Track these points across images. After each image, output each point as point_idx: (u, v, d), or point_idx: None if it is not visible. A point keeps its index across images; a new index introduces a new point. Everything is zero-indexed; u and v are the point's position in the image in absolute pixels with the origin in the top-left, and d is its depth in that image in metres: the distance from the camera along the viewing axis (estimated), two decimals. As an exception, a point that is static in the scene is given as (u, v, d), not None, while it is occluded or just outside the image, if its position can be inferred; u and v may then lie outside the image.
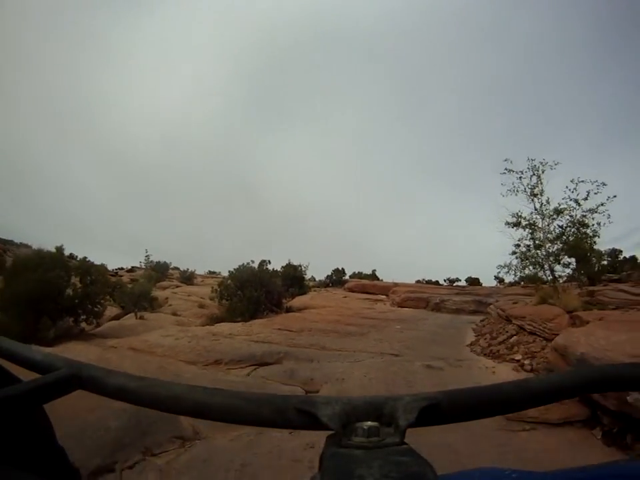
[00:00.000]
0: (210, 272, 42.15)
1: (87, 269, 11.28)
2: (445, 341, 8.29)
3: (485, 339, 8.16)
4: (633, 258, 32.19)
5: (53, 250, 10.64)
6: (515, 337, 7.77)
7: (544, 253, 10.05)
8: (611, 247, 31.62)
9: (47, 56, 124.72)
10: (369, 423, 0.35)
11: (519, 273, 11.01)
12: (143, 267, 30.11)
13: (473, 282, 34.86)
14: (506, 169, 10.44)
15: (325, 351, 6.98)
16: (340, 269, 34.85)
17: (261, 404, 0.38)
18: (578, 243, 9.85)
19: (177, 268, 35.24)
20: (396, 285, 24.18)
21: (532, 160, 10.28)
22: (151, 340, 7.25)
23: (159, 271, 28.35)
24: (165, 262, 31.76)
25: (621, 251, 31.94)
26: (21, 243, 35.26)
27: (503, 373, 5.36)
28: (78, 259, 39.27)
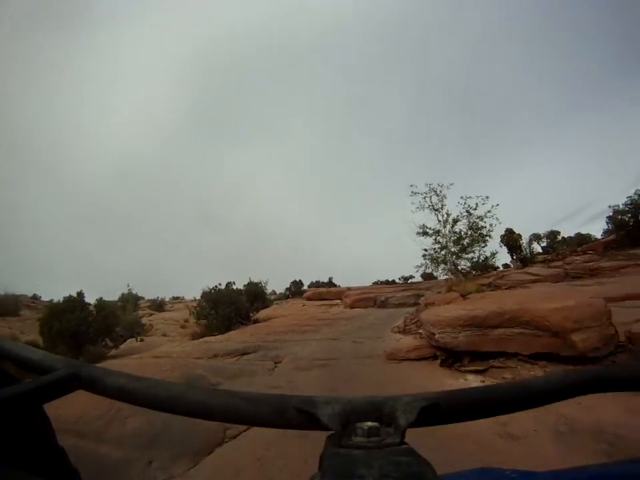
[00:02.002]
0: (174, 297, 43.61)
1: (102, 306, 13.64)
2: (376, 327, 10.90)
3: (405, 322, 10.87)
4: (563, 238, 36.52)
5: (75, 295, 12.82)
6: (423, 317, 10.57)
7: (447, 252, 13.07)
8: (549, 229, 35.74)
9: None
10: (369, 423, 0.36)
11: (430, 270, 13.97)
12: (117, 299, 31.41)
13: (428, 277, 38.04)
14: (412, 192, 13.50)
15: (286, 342, 9.42)
16: (298, 280, 37.02)
17: (261, 404, 0.39)
18: (473, 242, 12.96)
19: (141, 297, 36.48)
20: (348, 289, 26.66)
21: (430, 184, 13.43)
22: (165, 350, 9.65)
23: (132, 302, 29.77)
24: (135, 293, 33.08)
25: (559, 232, 36.20)
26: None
27: (404, 340, 7.98)
28: (40, 298, 39.85)
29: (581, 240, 31.53)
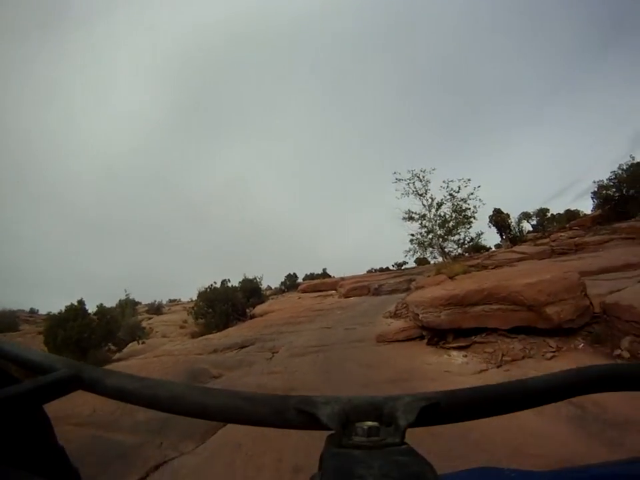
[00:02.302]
0: (171, 300, 43.96)
1: (103, 312, 14.13)
2: (369, 314, 11.21)
3: (396, 307, 11.20)
4: (552, 215, 36.91)
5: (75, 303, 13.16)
6: (413, 301, 10.92)
7: (434, 236, 13.43)
8: (539, 207, 36.08)
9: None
10: (369, 422, 0.36)
11: (419, 254, 14.35)
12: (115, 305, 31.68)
13: (422, 262, 38.45)
14: (396, 179, 13.80)
15: (283, 334, 9.73)
16: (292, 273, 37.10)
17: (261, 404, 0.39)
18: (458, 224, 13.31)
19: (138, 302, 36.65)
20: (342, 279, 26.96)
21: (413, 170, 13.72)
22: (166, 349, 9.99)
23: (130, 307, 29.98)
24: (132, 298, 33.38)
25: (548, 209, 36.54)
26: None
27: (394, 324, 8.30)
28: (38, 312, 40.05)
29: (570, 216, 31.80)
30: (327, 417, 0.35)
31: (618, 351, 4.68)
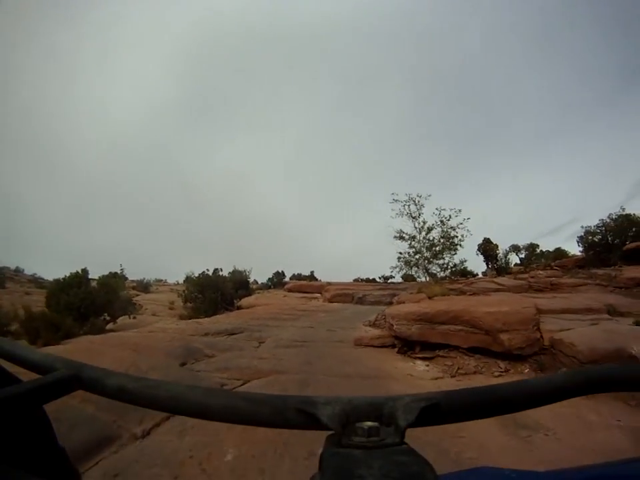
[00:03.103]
0: (157, 280, 44.47)
1: (104, 283, 15.04)
2: (350, 320, 12.10)
3: (377, 318, 12.10)
4: (541, 252, 37.83)
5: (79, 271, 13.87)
6: (392, 314, 11.83)
7: (421, 257, 14.45)
8: (528, 242, 36.87)
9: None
10: (369, 423, 0.36)
11: (404, 272, 15.34)
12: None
13: (408, 278, 39.25)
14: (393, 199, 14.84)
15: (269, 327, 10.57)
16: (280, 271, 38.17)
17: (261, 404, 0.39)
18: (444, 250, 14.36)
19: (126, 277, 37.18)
20: (328, 284, 27.78)
21: (410, 194, 14.77)
22: (160, 326, 10.86)
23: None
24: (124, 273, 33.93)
25: (538, 245, 37.35)
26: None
27: (372, 332, 9.19)
28: (23, 272, 40.22)
29: (557, 255, 32.52)
30: (327, 417, 0.36)
31: (554, 380, 5.58)
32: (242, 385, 4.94)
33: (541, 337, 6.47)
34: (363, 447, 0.34)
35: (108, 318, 14.67)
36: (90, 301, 13.10)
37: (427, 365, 6.31)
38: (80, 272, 13.72)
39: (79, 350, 6.65)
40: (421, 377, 5.72)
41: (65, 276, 13.93)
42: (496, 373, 5.88)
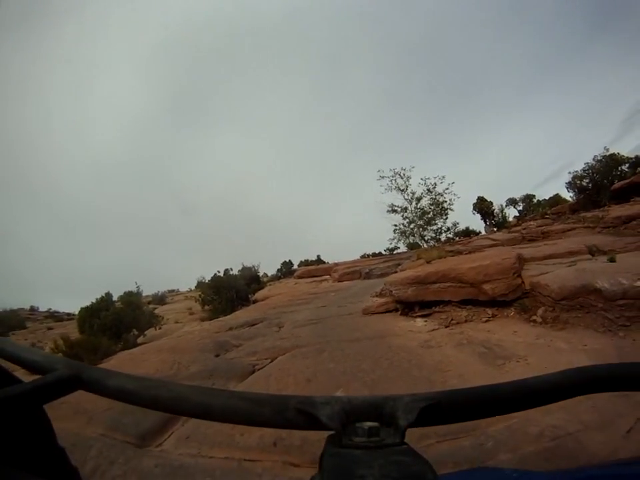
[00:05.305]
0: (169, 291, 46.00)
1: (129, 301, 16.34)
2: (359, 295, 13.09)
3: (382, 288, 13.08)
4: (538, 201, 38.33)
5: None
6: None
7: (415, 226, 15.44)
8: (524, 194, 37.31)
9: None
10: (369, 423, 0.37)
11: (404, 241, 16.38)
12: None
13: (413, 246, 39.96)
14: (380, 176, 15.75)
15: (285, 313, 11.63)
16: (288, 260, 39.16)
17: (261, 404, 0.39)
18: (436, 216, 15.33)
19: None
20: (336, 264, 28.80)
21: (394, 169, 15.68)
22: (188, 330, 12.17)
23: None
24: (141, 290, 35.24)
25: (534, 195, 37.82)
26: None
27: (377, 301, 10.16)
28: (38, 309, 41.24)
29: (554, 203, 33.00)
30: (327, 417, 0.36)
31: (534, 317, 6.32)
32: (270, 362, 5.89)
33: (522, 282, 7.29)
34: (364, 447, 0.35)
35: (137, 332, 15.83)
36: (119, 320, 14.34)
37: (425, 321, 7.30)
38: (104, 296, 14.97)
39: (123, 362, 7.49)
40: (419, 330, 6.71)
41: (92, 302, 15.19)
42: (484, 319, 6.82)
